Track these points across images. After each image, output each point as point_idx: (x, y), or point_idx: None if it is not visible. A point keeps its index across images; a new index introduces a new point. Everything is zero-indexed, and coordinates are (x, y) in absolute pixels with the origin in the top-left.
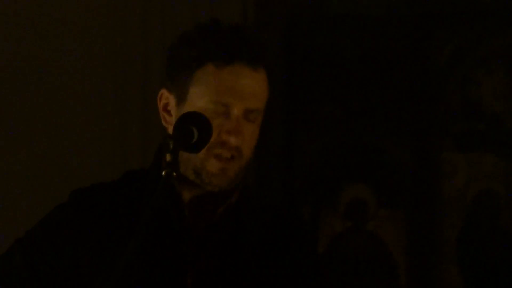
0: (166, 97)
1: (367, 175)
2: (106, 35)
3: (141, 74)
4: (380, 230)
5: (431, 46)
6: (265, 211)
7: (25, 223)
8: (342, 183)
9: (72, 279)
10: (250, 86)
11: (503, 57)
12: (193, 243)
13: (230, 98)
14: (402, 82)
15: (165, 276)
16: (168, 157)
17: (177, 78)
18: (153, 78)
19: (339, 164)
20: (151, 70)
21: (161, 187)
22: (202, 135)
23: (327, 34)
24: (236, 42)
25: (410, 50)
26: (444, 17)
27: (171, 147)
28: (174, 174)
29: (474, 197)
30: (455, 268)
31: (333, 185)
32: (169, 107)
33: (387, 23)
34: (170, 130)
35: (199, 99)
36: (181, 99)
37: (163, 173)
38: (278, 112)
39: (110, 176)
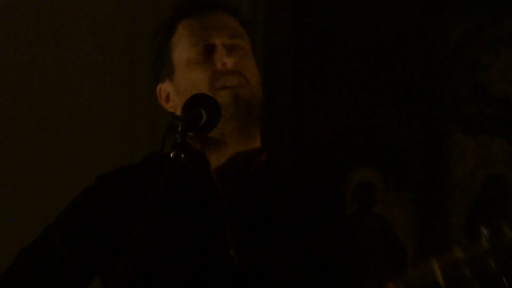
0: (164, 89)
1: (375, 158)
2: (113, 32)
3: (148, 71)
4: (388, 213)
5: (440, 30)
6: (295, 170)
7: (32, 218)
8: (350, 166)
9: (98, 256)
10: (222, 20)
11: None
12: (226, 203)
13: (206, 33)
14: (412, 65)
15: (205, 242)
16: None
17: (160, 62)
18: None
19: (348, 147)
20: None
21: (169, 169)
22: (210, 116)
23: (337, 18)
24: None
25: (419, 34)
26: (453, 1)
27: (179, 128)
28: (183, 155)
29: (483, 181)
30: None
31: (341, 168)
32: (170, 95)
33: (397, 7)
34: (179, 112)
35: (182, 56)
36: (171, 74)
37: (171, 154)
38: (287, 95)
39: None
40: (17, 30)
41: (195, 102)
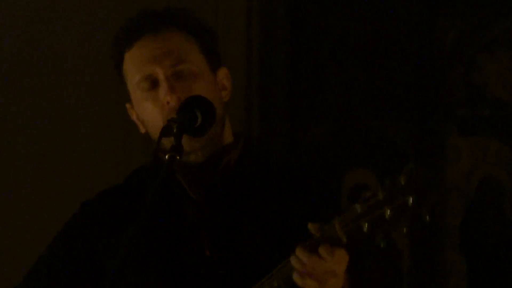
0: (131, 111)
1: (370, 160)
2: (109, 32)
3: None
4: None
5: (436, 30)
6: (270, 164)
7: (29, 223)
8: (345, 168)
9: (94, 278)
10: (162, 48)
11: (508, 41)
12: (199, 207)
13: (149, 68)
14: (406, 66)
15: (181, 246)
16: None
17: (121, 84)
18: None
19: (342, 149)
20: None
21: (164, 170)
22: (205, 119)
23: (332, 20)
24: (138, 19)
25: (414, 35)
26: (449, 1)
27: (174, 130)
28: (178, 157)
29: (478, 184)
30: (458, 255)
31: (336, 169)
32: (138, 118)
33: (392, 9)
34: (154, 134)
35: (133, 90)
36: (132, 102)
37: (166, 156)
38: (281, 96)
39: (114, 175)
40: (13, 29)
41: (191, 104)
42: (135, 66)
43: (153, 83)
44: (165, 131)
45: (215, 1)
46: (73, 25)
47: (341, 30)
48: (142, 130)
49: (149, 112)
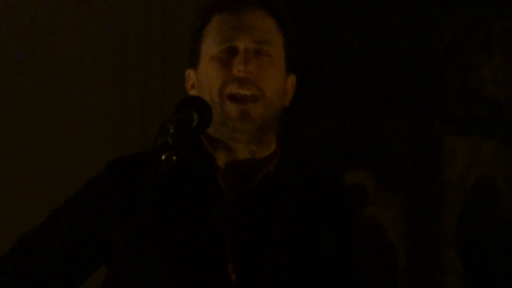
0: (190, 76)
1: (367, 160)
2: (106, 34)
3: (141, 73)
4: (380, 215)
5: (431, 32)
6: (305, 176)
7: (25, 221)
8: (342, 168)
9: (105, 244)
10: (252, 21)
11: (503, 42)
12: (230, 211)
13: (232, 32)
14: (403, 67)
15: (203, 246)
16: (169, 141)
17: (192, 49)
18: (154, 75)
19: (339, 149)
20: (151, 68)
21: (161, 171)
22: (202, 118)
23: (329, 20)
24: None
25: (410, 36)
26: (445, 2)
27: (171, 131)
28: (174, 158)
29: (474, 183)
30: (454, 254)
31: (332, 169)
32: (194, 84)
33: (388, 10)
34: (205, 98)
35: (207, 50)
36: (196, 64)
37: (163, 157)
38: None
39: None
40: (9, 30)
41: (187, 104)
42: (220, 28)
43: (232, 49)
44: (162, 131)
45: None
46: (71, 24)
47: (338, 32)
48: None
49: (213, 74)
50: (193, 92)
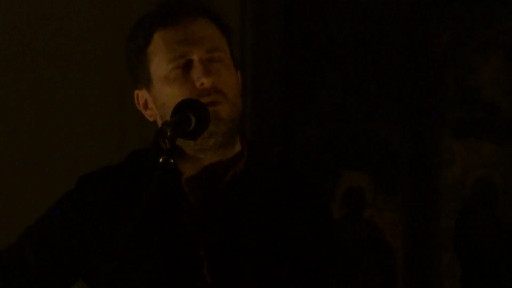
0: (141, 96)
1: (364, 162)
2: (105, 33)
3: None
4: (377, 218)
5: (429, 33)
6: (273, 176)
7: (24, 221)
8: (339, 171)
9: (80, 260)
10: (197, 31)
11: (501, 44)
12: (199, 216)
13: (182, 47)
14: (401, 69)
15: (178, 251)
16: (166, 144)
17: (137, 69)
18: None
19: (337, 151)
20: None
21: (158, 174)
22: (199, 122)
23: (326, 22)
24: (173, 4)
25: (408, 38)
26: (442, 3)
27: (168, 134)
28: (172, 161)
29: (472, 185)
30: (452, 256)
31: (330, 172)
32: (148, 103)
33: (386, 11)
34: (160, 123)
35: (159, 70)
36: (148, 85)
37: (160, 160)
38: (276, 98)
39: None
40: (7, 29)
41: (184, 107)
42: (168, 45)
43: (186, 64)
44: (160, 134)
45: (209, 2)
46: (69, 23)
47: (336, 33)
48: (151, 118)
49: (175, 92)
50: (149, 112)
